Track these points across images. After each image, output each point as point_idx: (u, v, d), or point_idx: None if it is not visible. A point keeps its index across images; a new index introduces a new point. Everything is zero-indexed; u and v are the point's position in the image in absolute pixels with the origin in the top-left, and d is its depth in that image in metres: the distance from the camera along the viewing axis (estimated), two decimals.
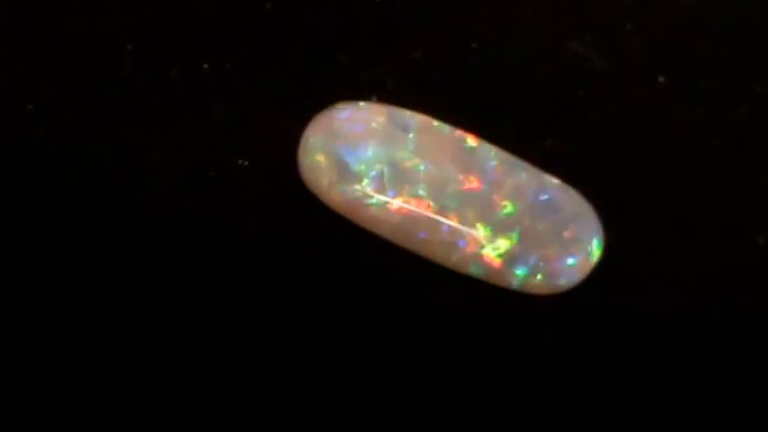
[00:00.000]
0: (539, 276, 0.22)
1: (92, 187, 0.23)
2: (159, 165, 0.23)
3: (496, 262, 0.22)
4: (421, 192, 0.22)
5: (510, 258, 0.22)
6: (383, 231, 0.22)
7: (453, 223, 0.22)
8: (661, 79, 0.25)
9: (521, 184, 0.22)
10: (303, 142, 0.23)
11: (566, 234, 0.22)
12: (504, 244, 0.22)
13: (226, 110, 0.24)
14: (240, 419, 0.24)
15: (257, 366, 0.24)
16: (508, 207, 0.22)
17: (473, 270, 0.22)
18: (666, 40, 0.25)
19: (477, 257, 0.22)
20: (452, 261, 0.22)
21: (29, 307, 0.23)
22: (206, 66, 0.24)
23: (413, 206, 0.22)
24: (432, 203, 0.22)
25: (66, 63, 0.24)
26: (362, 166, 0.22)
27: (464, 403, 0.24)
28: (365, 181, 0.22)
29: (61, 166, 0.23)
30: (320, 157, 0.22)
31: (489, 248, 0.22)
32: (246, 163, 0.24)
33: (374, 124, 0.22)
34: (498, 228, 0.22)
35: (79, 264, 0.23)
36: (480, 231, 0.22)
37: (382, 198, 0.22)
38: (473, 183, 0.22)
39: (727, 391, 0.24)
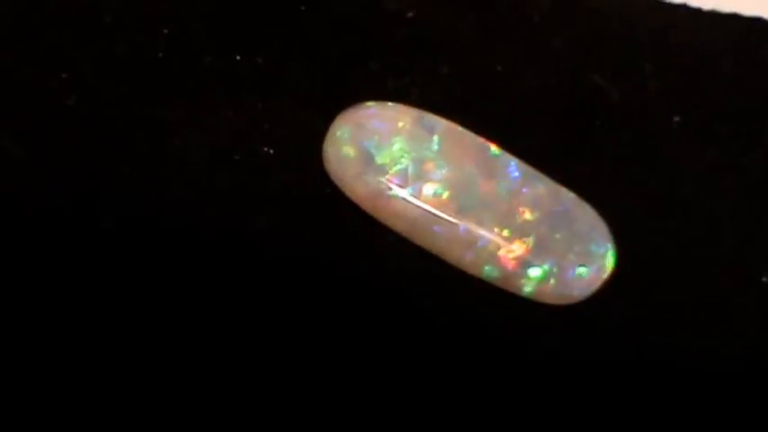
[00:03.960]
0: (551, 282, 0.23)
1: (120, 159, 0.24)
2: (188, 143, 0.24)
3: (511, 263, 0.22)
4: (441, 191, 0.22)
5: (524, 262, 0.22)
6: (401, 226, 0.23)
7: (471, 224, 0.22)
8: (676, 119, 0.25)
9: (539, 193, 0.23)
10: (331, 133, 0.23)
11: (580, 246, 0.23)
12: (519, 247, 0.22)
13: (255, 100, 0.24)
14: (255, 409, 0.24)
15: (272, 355, 0.24)
16: (526, 214, 0.23)
17: (487, 271, 0.23)
18: (683, 84, 0.26)
19: (492, 258, 0.22)
20: (467, 261, 0.23)
21: (53, 278, 0.23)
22: (238, 57, 0.24)
23: (432, 203, 0.22)
24: (451, 203, 0.22)
25: (103, 40, 0.24)
26: (387, 160, 0.23)
27: (471, 409, 0.24)
28: (389, 174, 0.22)
29: (92, 135, 0.24)
30: (347, 148, 0.23)
31: (504, 250, 0.22)
32: (271, 151, 0.24)
33: (401, 123, 0.23)
34: (515, 232, 0.22)
35: (103, 237, 0.23)
36: (497, 234, 0.22)
37: (403, 192, 0.22)
38: (493, 187, 0.23)
39: (736, 408, 0.24)
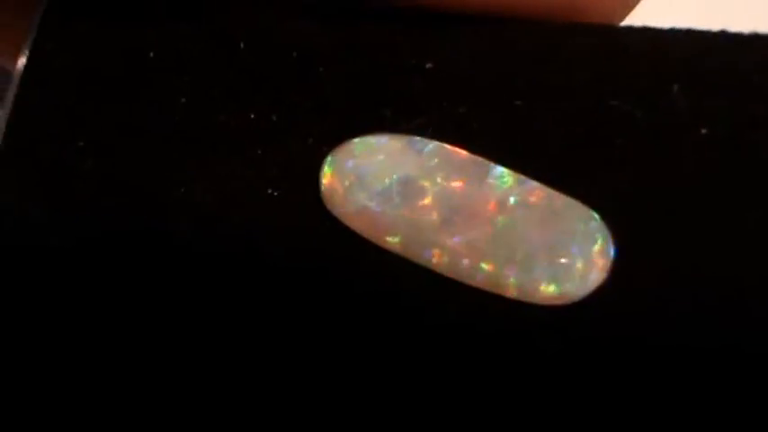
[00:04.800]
0: (545, 283, 0.21)
1: (130, 207, 0.25)
2: (195, 190, 0.25)
3: (502, 268, 0.21)
4: (429, 206, 0.22)
5: (516, 265, 0.21)
6: (391, 244, 0.22)
7: (461, 237, 0.22)
8: (704, 131, 0.24)
9: (531, 199, 0.22)
10: (324, 165, 0.23)
11: (575, 246, 0.22)
12: (510, 252, 0.21)
13: (264, 151, 0.25)
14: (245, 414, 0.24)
15: (266, 382, 0.24)
16: (516, 219, 0.22)
17: (479, 275, 0.22)
18: (711, 96, 0.24)
19: (483, 266, 0.22)
20: (457, 270, 0.22)
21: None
22: (252, 116, 0.25)
23: (420, 218, 0.22)
24: (440, 218, 0.22)
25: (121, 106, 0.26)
26: (374, 179, 0.22)
27: (464, 414, 0.23)
28: (376, 193, 0.22)
29: (106, 193, 0.25)
30: (334, 174, 0.23)
31: (495, 257, 0.21)
32: (276, 193, 0.24)
33: (388, 144, 0.23)
34: (505, 237, 0.22)
35: (111, 279, 0.24)
36: (487, 243, 0.22)
37: (390, 210, 0.22)
38: (483, 200, 0.22)
39: (734, 407, 0.22)
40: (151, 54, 0.26)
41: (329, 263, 0.23)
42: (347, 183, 0.23)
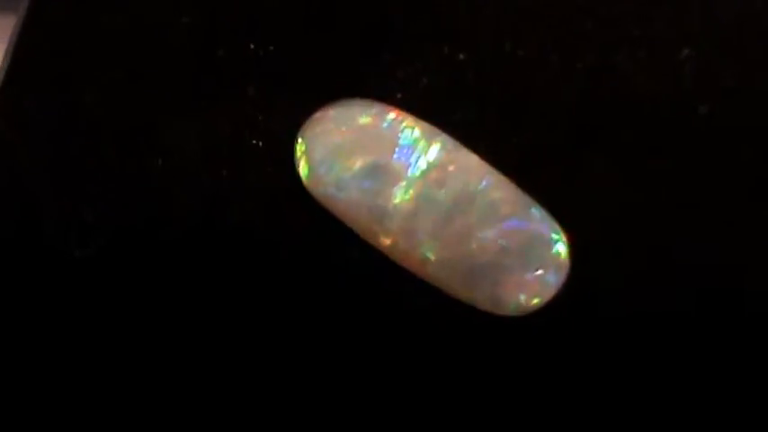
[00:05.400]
0: (507, 292, 0.22)
1: (115, 150, 0.25)
2: (182, 135, 0.25)
3: (466, 274, 0.22)
4: (402, 193, 0.23)
5: (478, 273, 0.22)
6: (356, 225, 0.23)
7: (426, 227, 0.22)
8: (703, 109, 0.23)
9: (495, 195, 0.22)
10: (297, 141, 0.24)
11: (535, 252, 0.22)
12: (473, 257, 0.22)
13: (260, 93, 0.25)
14: (235, 408, 0.25)
15: (251, 361, 0.25)
16: (482, 215, 0.22)
17: (442, 279, 0.23)
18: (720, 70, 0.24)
19: (446, 266, 0.22)
20: (418, 266, 0.23)
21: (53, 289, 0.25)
22: (252, 46, 0.25)
23: (386, 204, 0.23)
24: (410, 204, 0.22)
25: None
26: (346, 161, 0.23)
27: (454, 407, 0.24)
28: (346, 174, 0.23)
29: (98, 129, 0.25)
30: (306, 154, 0.23)
31: (459, 258, 0.22)
32: (261, 144, 0.25)
33: (361, 122, 0.23)
34: (469, 240, 0.22)
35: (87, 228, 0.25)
36: (452, 242, 0.22)
37: (355, 192, 0.23)
38: (452, 192, 0.22)
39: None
40: None
41: (307, 235, 0.24)
42: (314, 162, 0.23)
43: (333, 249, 0.24)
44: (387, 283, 0.24)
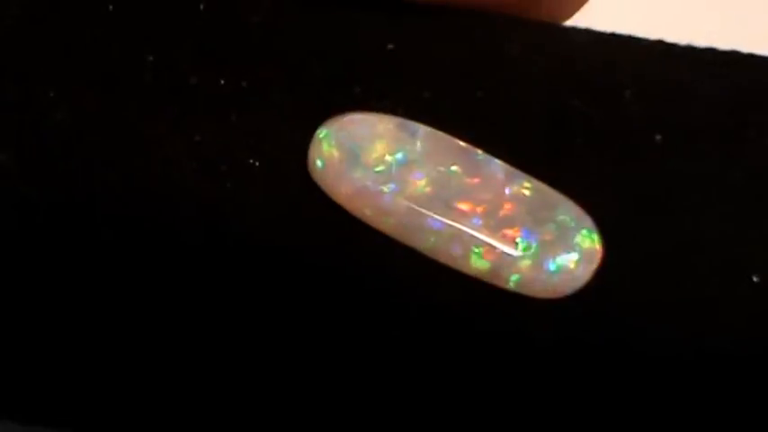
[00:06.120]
0: (538, 275, 0.22)
1: (106, 171, 0.24)
2: (174, 155, 0.24)
3: (498, 256, 0.22)
4: (426, 188, 0.23)
5: (510, 255, 0.22)
6: (387, 224, 0.23)
7: (457, 218, 0.23)
8: (658, 137, 0.26)
9: (522, 190, 0.23)
10: (315, 138, 0.23)
11: (566, 240, 0.23)
12: (505, 240, 0.22)
13: (242, 119, 0.25)
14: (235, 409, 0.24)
15: (256, 367, 0.24)
16: (510, 209, 0.23)
17: (473, 264, 0.22)
18: (663, 106, 0.26)
19: (478, 251, 0.22)
20: (453, 255, 0.23)
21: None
22: (222, 82, 0.25)
23: (418, 200, 0.23)
24: (436, 199, 0.23)
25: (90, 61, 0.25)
26: (371, 159, 0.23)
27: (458, 407, 0.23)
28: (373, 172, 0.23)
29: (79, 148, 0.24)
30: (330, 149, 0.23)
31: (490, 243, 0.22)
32: (257, 163, 0.24)
33: (383, 126, 0.23)
34: (500, 226, 0.22)
35: (86, 244, 0.23)
36: (483, 227, 0.22)
37: (388, 189, 0.23)
38: (477, 184, 0.23)
39: (725, 404, 0.23)
40: (110, 7, 0.25)
41: (318, 241, 0.24)
42: (341, 161, 0.23)
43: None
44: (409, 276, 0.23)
